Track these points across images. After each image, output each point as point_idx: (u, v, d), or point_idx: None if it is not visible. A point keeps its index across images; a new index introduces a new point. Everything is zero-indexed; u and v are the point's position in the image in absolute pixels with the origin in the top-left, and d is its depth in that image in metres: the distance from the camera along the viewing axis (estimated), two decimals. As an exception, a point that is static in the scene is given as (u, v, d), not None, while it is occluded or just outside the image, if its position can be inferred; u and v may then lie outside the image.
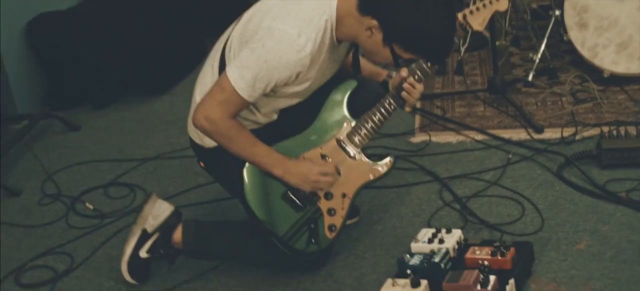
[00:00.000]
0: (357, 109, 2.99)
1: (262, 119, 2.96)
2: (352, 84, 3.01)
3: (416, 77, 2.99)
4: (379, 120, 2.97)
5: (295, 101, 2.94)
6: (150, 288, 3.12)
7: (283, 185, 2.91)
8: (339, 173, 2.96)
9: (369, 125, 2.96)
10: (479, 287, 2.63)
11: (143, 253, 3.06)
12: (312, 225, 2.95)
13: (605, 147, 3.52)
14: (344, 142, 2.98)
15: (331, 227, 3.00)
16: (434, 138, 4.00)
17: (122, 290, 3.14)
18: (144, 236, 3.06)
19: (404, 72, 2.98)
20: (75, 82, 4.98)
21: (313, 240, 2.95)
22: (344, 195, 3.01)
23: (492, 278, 2.65)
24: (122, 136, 4.54)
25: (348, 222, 3.30)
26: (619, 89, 4.24)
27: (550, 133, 3.90)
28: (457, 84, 4.63)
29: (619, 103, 4.11)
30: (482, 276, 2.66)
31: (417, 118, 4.24)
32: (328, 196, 2.98)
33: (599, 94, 4.16)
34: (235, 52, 2.81)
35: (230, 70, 2.71)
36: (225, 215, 3.52)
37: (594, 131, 3.84)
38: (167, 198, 3.61)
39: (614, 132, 3.65)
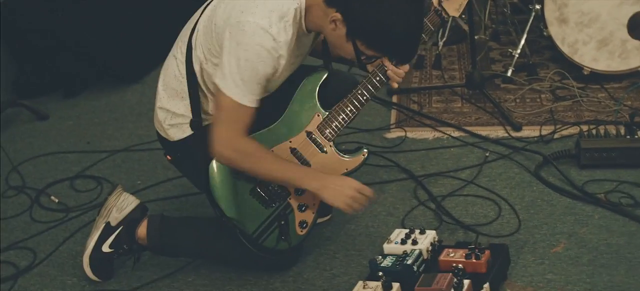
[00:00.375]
0: (329, 100, 2.88)
1: None
2: (323, 74, 2.91)
3: None
4: (352, 111, 2.87)
5: (263, 94, 2.84)
6: (114, 287, 3.01)
7: (252, 180, 2.82)
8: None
9: (341, 117, 2.86)
10: (452, 291, 2.54)
11: (106, 248, 2.96)
12: (282, 222, 2.86)
13: (584, 146, 3.45)
14: (314, 135, 2.88)
15: (302, 224, 2.91)
16: (410, 134, 3.91)
17: (85, 288, 3.03)
18: (107, 229, 2.95)
19: (385, 60, 2.87)
20: (45, 70, 4.85)
21: (283, 237, 2.86)
22: None
23: (466, 282, 2.57)
24: (91, 126, 4.42)
25: (319, 221, 3.22)
26: (598, 87, 4.17)
27: (529, 131, 3.82)
28: (435, 79, 4.54)
29: (599, 101, 4.04)
30: (455, 279, 2.57)
31: (393, 113, 4.15)
32: (299, 191, 2.89)
33: (579, 92, 4.09)
34: (202, 45, 2.72)
35: (222, 86, 2.61)
36: (194, 210, 3.42)
37: (573, 130, 3.78)
38: (135, 192, 3.55)
39: (594, 131, 3.59)
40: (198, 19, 2.77)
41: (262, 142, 2.83)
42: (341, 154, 2.90)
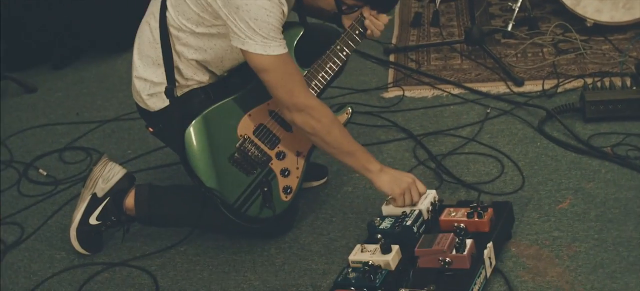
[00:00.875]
0: (307, 58, 2.76)
1: (207, 78, 2.76)
2: (299, 31, 2.79)
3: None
4: (331, 68, 2.74)
5: (240, 60, 2.72)
6: (104, 259, 2.90)
7: (230, 147, 2.70)
8: (291, 130, 2.76)
9: (320, 74, 2.73)
10: (453, 252, 2.42)
11: (93, 220, 2.84)
12: (265, 188, 2.73)
13: (588, 99, 3.32)
14: None
15: (286, 189, 2.78)
16: (408, 93, 3.78)
17: (75, 262, 2.92)
18: (94, 201, 2.84)
19: (365, 10, 2.73)
20: (33, 41, 4.72)
21: (267, 205, 2.73)
22: (298, 153, 2.81)
23: (469, 242, 2.45)
24: (81, 97, 4.30)
25: (315, 184, 3.12)
26: (602, 39, 4.03)
27: (531, 86, 3.69)
28: (433, 36, 4.40)
29: (603, 53, 3.90)
30: (457, 240, 2.45)
31: (390, 72, 4.02)
32: (280, 155, 2.77)
33: (582, 44, 3.95)
34: (181, 9, 2.60)
35: (253, 48, 2.48)
36: (185, 179, 3.24)
37: (577, 83, 3.64)
38: (126, 162, 3.44)
39: (598, 84, 3.45)
40: None
41: (239, 104, 2.73)
42: None
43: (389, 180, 2.67)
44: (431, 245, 2.45)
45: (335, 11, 2.74)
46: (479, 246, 2.47)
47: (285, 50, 2.53)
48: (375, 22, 2.72)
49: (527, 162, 3.11)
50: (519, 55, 4.02)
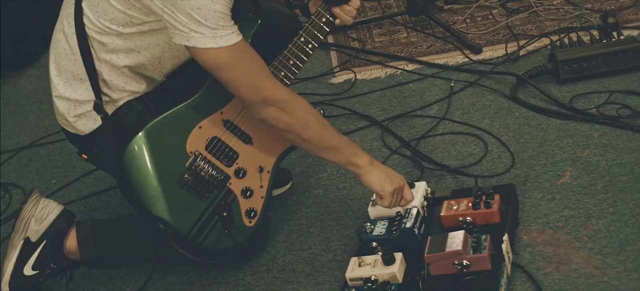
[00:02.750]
0: (265, 54, 2.28)
1: (144, 86, 2.33)
2: (254, 23, 2.36)
3: None
4: (295, 64, 2.35)
5: (182, 60, 2.33)
6: (46, 314, 2.44)
7: (179, 167, 2.27)
8: (251, 142, 2.37)
9: (283, 73, 2.33)
10: (471, 253, 2.08)
11: (28, 270, 2.38)
12: (224, 213, 2.28)
13: (561, 58, 3.04)
14: None
15: (249, 213, 2.36)
16: (358, 76, 3.42)
17: (10, 321, 2.44)
18: (28, 247, 2.37)
19: None
20: None
21: (227, 233, 2.28)
22: (261, 169, 2.39)
23: (486, 238, 2.11)
24: (-15, 125, 3.78)
25: (278, 192, 2.74)
26: (551, -7, 3.77)
27: (490, 52, 3.39)
28: (370, 11, 4.05)
29: (557, 8, 3.63)
30: (473, 238, 2.11)
31: (333, 55, 3.65)
32: (240, 173, 2.35)
33: (533, 2, 3.66)
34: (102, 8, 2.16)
35: (202, 43, 2.06)
36: (127, 205, 2.84)
37: (539, 43, 3.36)
38: (52, 194, 2.98)
39: (566, 41, 3.17)
40: None
41: (187, 114, 2.30)
42: None
43: (380, 175, 2.30)
44: (443, 247, 2.10)
45: None
46: (495, 241, 2.14)
47: (240, 38, 2.12)
48: (345, 7, 2.35)
49: (510, 135, 2.80)
50: (467, 20, 3.71)
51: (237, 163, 2.34)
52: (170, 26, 2.07)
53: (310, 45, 2.35)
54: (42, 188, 3.08)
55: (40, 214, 2.39)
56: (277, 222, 2.61)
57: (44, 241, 2.38)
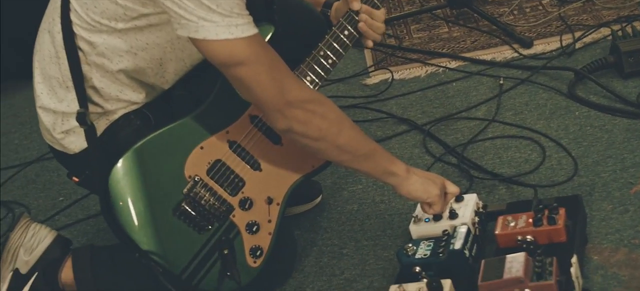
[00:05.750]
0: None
1: (143, 95, 2.01)
2: (268, 30, 2.04)
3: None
4: (313, 81, 2.04)
5: (188, 64, 2.01)
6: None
7: (174, 193, 1.96)
8: (259, 168, 2.04)
9: None
10: (535, 280, 1.74)
11: (18, 306, 2.08)
12: (226, 251, 1.89)
13: (625, 49, 2.68)
14: (263, 120, 2.04)
15: (255, 251, 2.03)
16: (395, 75, 3.09)
17: None
18: (17, 280, 2.08)
19: (354, 3, 2.06)
20: None
21: (228, 274, 1.90)
22: (270, 201, 2.06)
23: (552, 261, 1.76)
24: (-7, 138, 3.52)
25: (306, 207, 2.42)
26: (608, -21, 3.41)
27: (542, 46, 3.05)
28: (407, 5, 3.72)
29: (615, -5, 3.28)
30: (537, 261, 1.76)
31: (368, 53, 3.33)
32: (246, 204, 2.02)
33: (588, -11, 3.32)
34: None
35: (214, 33, 1.73)
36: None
37: (598, 34, 3.00)
38: (58, 213, 2.70)
39: (629, 30, 2.81)
40: None
41: (189, 131, 1.99)
42: None
43: (421, 180, 1.99)
44: (500, 273, 1.76)
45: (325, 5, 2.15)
46: (562, 264, 1.79)
47: (257, 30, 1.80)
48: (370, 22, 2.07)
49: (571, 138, 2.45)
50: (515, 12, 3.36)
51: (242, 192, 2.02)
52: (174, 16, 1.75)
53: (330, 60, 2.05)
54: (47, 206, 2.81)
55: (30, 242, 2.10)
56: (305, 242, 2.29)
57: (36, 274, 2.07)
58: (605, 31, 2.98)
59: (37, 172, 3.08)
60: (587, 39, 3.00)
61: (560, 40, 2.99)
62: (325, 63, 2.04)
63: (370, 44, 2.14)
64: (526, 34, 3.12)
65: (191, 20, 1.73)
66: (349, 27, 2.07)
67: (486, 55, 3.07)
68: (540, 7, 3.35)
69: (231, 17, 1.73)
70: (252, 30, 1.78)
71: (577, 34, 3.02)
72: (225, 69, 1.81)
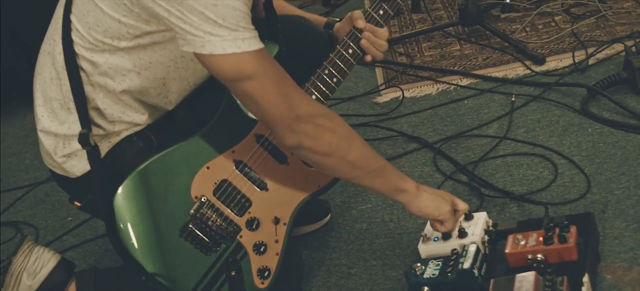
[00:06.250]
0: None
1: (146, 117, 1.98)
2: (273, 49, 2.01)
3: (378, 16, 2.11)
4: (318, 99, 2.02)
5: (191, 84, 1.98)
6: None
7: (181, 214, 1.92)
8: (266, 188, 2.01)
9: None
10: (545, 299, 1.70)
11: (21, 334, 2.05)
12: (233, 272, 1.80)
13: (638, 65, 2.64)
14: (269, 139, 2.02)
15: (263, 272, 2.00)
16: (406, 93, 3.06)
17: None
18: (20, 305, 2.05)
19: (359, 22, 2.04)
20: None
21: None
22: (277, 220, 2.03)
23: (562, 280, 1.72)
24: (4, 158, 3.52)
25: (314, 227, 2.39)
26: (620, -4, 3.38)
27: (555, 62, 3.01)
28: (418, 23, 3.69)
29: (628, 12, 3.24)
30: (547, 280, 1.72)
31: (379, 72, 3.30)
32: (253, 224, 1.99)
33: (601, 6, 3.27)
34: (94, 21, 1.84)
35: (221, 47, 1.70)
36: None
37: (611, 50, 2.97)
38: (66, 233, 2.67)
39: (643, 46, 2.78)
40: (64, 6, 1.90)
41: (193, 152, 1.96)
42: (309, 164, 2.04)
43: (432, 197, 1.96)
44: (510, 293, 1.72)
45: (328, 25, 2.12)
46: (573, 284, 1.75)
47: (262, 45, 1.77)
48: (373, 39, 2.06)
49: (583, 155, 2.41)
50: (527, 29, 3.33)
51: (249, 213, 1.99)
52: (179, 31, 1.73)
53: (334, 78, 2.04)
54: (56, 227, 2.79)
55: (34, 267, 2.06)
56: (313, 262, 2.26)
57: (39, 299, 2.05)
58: (618, 47, 2.94)
59: (47, 192, 3.06)
60: (600, 55, 2.96)
61: (573, 57, 2.95)
62: (330, 81, 2.02)
63: (368, 58, 2.11)
64: (538, 51, 3.09)
65: (197, 35, 1.71)
66: (353, 46, 2.06)
67: (498, 72, 3.03)
68: (553, 24, 3.32)
69: (238, 31, 1.71)
70: (259, 44, 1.76)
71: (590, 50, 2.98)
72: (233, 84, 1.78)
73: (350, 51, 2.06)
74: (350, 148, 1.86)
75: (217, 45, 1.70)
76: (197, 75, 1.95)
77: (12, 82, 3.93)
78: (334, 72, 2.03)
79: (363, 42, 2.06)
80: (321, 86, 2.01)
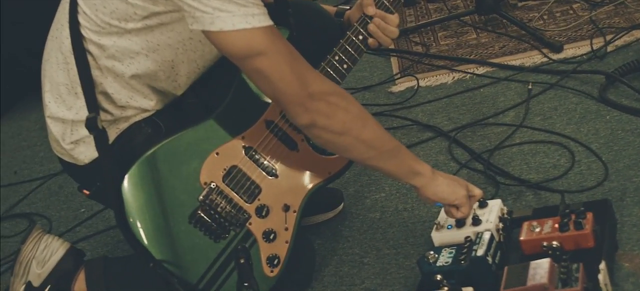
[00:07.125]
0: None
1: (154, 102, 1.96)
2: (284, 34, 1.97)
3: (388, 2, 2.05)
4: None
5: (200, 67, 1.95)
6: None
7: (189, 201, 1.90)
8: (275, 175, 1.98)
9: None
10: (560, 286, 1.66)
11: (30, 321, 2.04)
12: (242, 260, 1.76)
13: (658, 51, 2.59)
14: (278, 124, 1.99)
15: (272, 260, 1.96)
16: (422, 82, 3.02)
17: None
18: (30, 293, 2.03)
19: (369, 8, 2.01)
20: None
21: (245, 284, 1.76)
22: (286, 208, 2.00)
23: (578, 267, 1.69)
24: (19, 151, 3.53)
25: (328, 215, 2.36)
26: (640, -18, 3.32)
27: (573, 50, 2.96)
28: (434, 13, 3.65)
29: (648, -3, 3.18)
30: (562, 267, 1.69)
31: (394, 61, 3.27)
32: (262, 211, 1.96)
33: (619, -8, 3.23)
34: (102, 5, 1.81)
35: (231, 23, 1.66)
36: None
37: (629, 37, 2.92)
38: (79, 224, 2.66)
39: (663, 32, 2.73)
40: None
41: (202, 137, 1.93)
42: (320, 151, 2.02)
43: (447, 181, 1.92)
44: (524, 280, 1.68)
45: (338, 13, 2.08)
46: (589, 271, 1.71)
47: (272, 22, 1.73)
48: (383, 25, 2.01)
49: (601, 142, 2.36)
50: (545, 17, 3.28)
51: (259, 200, 1.96)
52: (188, 9, 1.69)
53: (345, 65, 2.00)
54: (69, 218, 2.78)
55: (43, 255, 2.05)
56: (325, 252, 2.23)
57: (48, 287, 2.03)
58: (637, 33, 2.89)
59: (61, 184, 3.05)
60: (619, 42, 2.91)
61: (591, 44, 2.90)
62: (340, 68, 1.99)
63: (372, 41, 2.05)
64: (556, 39, 3.04)
65: (206, 11, 1.67)
66: (364, 32, 2.02)
67: (515, 60, 2.99)
68: (571, 11, 3.27)
69: (247, 7, 1.68)
70: (269, 21, 1.72)
71: (609, 37, 2.93)
72: (244, 61, 1.74)
73: (360, 37, 2.02)
74: (364, 127, 1.82)
75: (227, 21, 1.67)
76: (206, 58, 1.92)
77: (26, 75, 3.93)
78: (344, 58, 1.99)
79: (371, 27, 2.02)
80: (331, 72, 1.98)
